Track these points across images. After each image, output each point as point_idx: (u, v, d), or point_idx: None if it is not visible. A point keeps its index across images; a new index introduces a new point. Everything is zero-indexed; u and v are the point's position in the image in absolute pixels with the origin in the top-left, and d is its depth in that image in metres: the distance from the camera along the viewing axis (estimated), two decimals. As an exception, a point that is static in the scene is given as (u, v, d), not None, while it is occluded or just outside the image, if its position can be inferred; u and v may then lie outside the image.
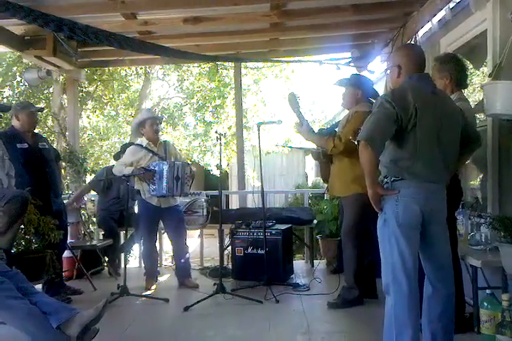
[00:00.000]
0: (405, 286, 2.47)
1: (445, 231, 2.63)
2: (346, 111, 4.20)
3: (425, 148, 2.51)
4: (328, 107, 15.35)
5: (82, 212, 5.84)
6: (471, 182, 4.26)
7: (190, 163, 4.78)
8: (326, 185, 4.40)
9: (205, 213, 5.54)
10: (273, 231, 4.75)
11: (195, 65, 11.13)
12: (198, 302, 3.99)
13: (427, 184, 2.53)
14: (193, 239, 6.87)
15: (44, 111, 8.58)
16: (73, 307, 2.88)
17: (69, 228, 4.82)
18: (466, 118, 2.78)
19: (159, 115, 8.87)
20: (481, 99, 3.77)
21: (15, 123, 4.22)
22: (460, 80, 3.19)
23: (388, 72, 2.83)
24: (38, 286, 3.87)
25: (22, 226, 3.67)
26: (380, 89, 5.79)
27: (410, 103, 2.47)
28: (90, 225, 6.10)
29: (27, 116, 4.20)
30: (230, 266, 5.10)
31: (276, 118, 10.38)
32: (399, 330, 2.46)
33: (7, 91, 10.72)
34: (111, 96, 11.89)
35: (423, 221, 2.53)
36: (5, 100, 10.10)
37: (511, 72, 3.15)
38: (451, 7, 4.18)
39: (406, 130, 2.49)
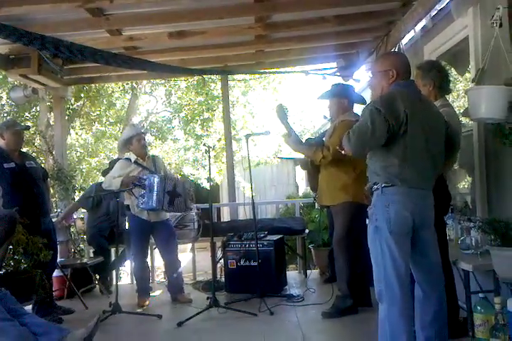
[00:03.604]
0: (398, 293, 2.47)
1: (434, 236, 2.65)
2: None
3: (415, 154, 2.53)
4: (316, 117, 15.36)
5: (72, 230, 5.77)
6: (460, 187, 4.28)
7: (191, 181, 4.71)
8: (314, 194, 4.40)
9: (196, 227, 5.48)
10: (265, 243, 4.73)
11: (183, 79, 11.13)
12: (192, 317, 3.94)
13: (417, 190, 2.54)
14: (185, 254, 6.82)
15: (31, 130, 8.52)
16: (64, 328, 2.86)
17: (59, 247, 4.76)
18: (449, 122, 2.82)
19: (146, 129, 8.82)
20: (465, 104, 3.80)
21: (0, 142, 4.19)
22: (443, 86, 3.23)
23: (370, 81, 2.83)
24: (28, 307, 3.81)
25: (10, 246, 3.63)
26: (367, 97, 5.84)
27: (400, 110, 2.48)
28: (80, 243, 6.03)
29: (13, 135, 4.17)
30: (223, 279, 5.05)
31: (264, 130, 10.41)
32: (393, 337, 2.46)
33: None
34: (98, 112, 11.85)
35: (413, 226, 2.53)
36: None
37: (494, 77, 3.18)
38: (432, 15, 4.24)
39: (396, 136, 2.50)
